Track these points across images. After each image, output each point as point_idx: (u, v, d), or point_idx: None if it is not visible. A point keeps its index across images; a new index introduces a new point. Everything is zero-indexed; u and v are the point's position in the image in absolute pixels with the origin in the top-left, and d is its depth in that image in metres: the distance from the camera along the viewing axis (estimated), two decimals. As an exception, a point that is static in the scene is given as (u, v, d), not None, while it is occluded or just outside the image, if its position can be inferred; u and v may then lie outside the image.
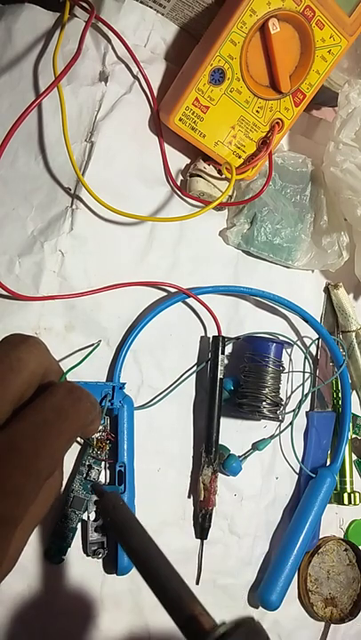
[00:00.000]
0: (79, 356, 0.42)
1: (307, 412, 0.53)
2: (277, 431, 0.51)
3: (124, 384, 0.43)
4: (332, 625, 0.53)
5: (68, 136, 0.40)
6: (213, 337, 0.47)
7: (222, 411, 0.46)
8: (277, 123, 0.45)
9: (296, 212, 0.51)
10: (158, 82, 0.45)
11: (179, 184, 0.47)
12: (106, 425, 0.42)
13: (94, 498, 0.41)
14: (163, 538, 0.42)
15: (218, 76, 0.41)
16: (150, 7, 0.44)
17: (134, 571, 0.41)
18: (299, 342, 0.54)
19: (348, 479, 0.53)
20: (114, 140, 0.43)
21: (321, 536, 0.53)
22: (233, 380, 0.48)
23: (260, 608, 0.47)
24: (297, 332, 0.54)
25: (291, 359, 0.52)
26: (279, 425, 0.51)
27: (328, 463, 0.54)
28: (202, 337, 0.48)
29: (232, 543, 0.48)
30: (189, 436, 0.47)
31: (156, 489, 0.45)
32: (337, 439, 0.53)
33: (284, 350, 0.48)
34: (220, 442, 0.46)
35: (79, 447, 0.42)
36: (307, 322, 0.52)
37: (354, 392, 0.57)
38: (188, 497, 0.46)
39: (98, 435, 0.41)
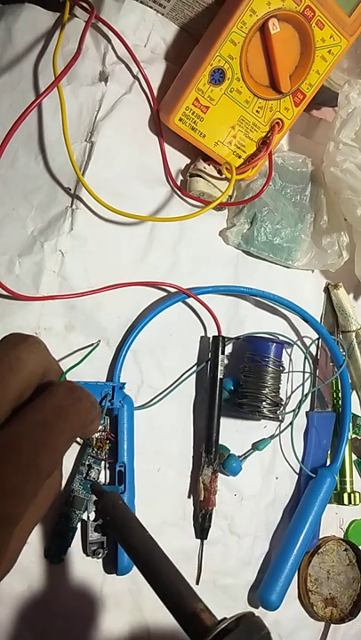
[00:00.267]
0: (79, 355, 0.42)
1: (307, 412, 0.53)
2: (277, 431, 0.51)
3: (124, 384, 0.43)
4: (332, 625, 0.53)
5: (68, 136, 0.40)
6: (213, 337, 0.47)
7: (222, 411, 0.46)
8: (277, 123, 0.45)
9: (296, 212, 0.51)
10: (158, 82, 0.45)
11: (179, 184, 0.47)
12: (106, 425, 0.42)
13: (94, 497, 0.40)
14: (163, 538, 0.41)
15: (218, 76, 0.41)
16: (150, 7, 0.44)
17: (134, 571, 0.41)
18: (299, 342, 0.54)
19: (348, 479, 0.53)
20: (114, 140, 0.43)
21: (321, 536, 0.53)
22: (233, 380, 0.48)
23: (260, 608, 0.47)
24: (297, 332, 0.54)
25: (291, 359, 0.52)
26: (279, 425, 0.51)
27: (328, 463, 0.54)
28: (202, 337, 0.48)
29: (232, 543, 0.48)
30: (189, 436, 0.47)
31: (156, 489, 0.45)
32: (337, 439, 0.53)
33: (284, 350, 0.48)
34: (220, 442, 0.46)
35: (79, 447, 0.42)
36: (307, 322, 0.52)
37: (354, 392, 0.57)
38: (188, 497, 0.46)
39: (98, 434, 0.41)
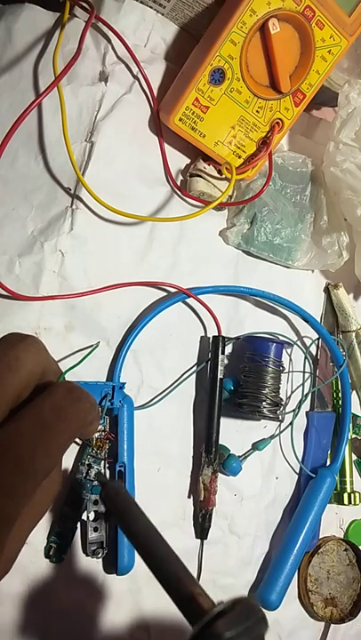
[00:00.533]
0: (79, 356, 0.42)
1: (307, 412, 0.53)
2: (277, 431, 0.51)
3: (124, 384, 0.43)
4: (332, 625, 0.53)
5: (68, 136, 0.40)
6: (213, 337, 0.47)
7: (222, 411, 0.46)
8: (277, 123, 0.45)
9: (296, 212, 0.51)
10: (158, 82, 0.45)
11: (179, 184, 0.47)
12: (106, 425, 0.42)
13: (94, 497, 0.41)
14: (162, 538, 0.42)
15: (218, 76, 0.41)
16: (150, 7, 0.44)
17: (134, 571, 0.42)
18: (299, 342, 0.54)
19: (348, 479, 0.53)
20: (114, 140, 0.43)
21: (321, 536, 0.53)
22: (233, 380, 0.48)
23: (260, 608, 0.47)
24: (297, 332, 0.54)
25: (291, 359, 0.52)
26: (279, 425, 0.51)
27: (328, 463, 0.54)
28: (202, 337, 0.48)
29: (232, 543, 0.48)
30: (189, 436, 0.47)
31: (156, 489, 0.45)
32: (337, 439, 0.53)
33: (284, 350, 0.48)
34: (220, 442, 0.46)
35: (78, 447, 0.42)
36: (307, 322, 0.52)
37: (354, 392, 0.57)
38: (188, 497, 0.46)
39: (97, 434, 0.41)
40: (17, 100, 0.41)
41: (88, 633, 0.41)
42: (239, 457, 0.48)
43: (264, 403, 0.46)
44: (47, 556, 0.40)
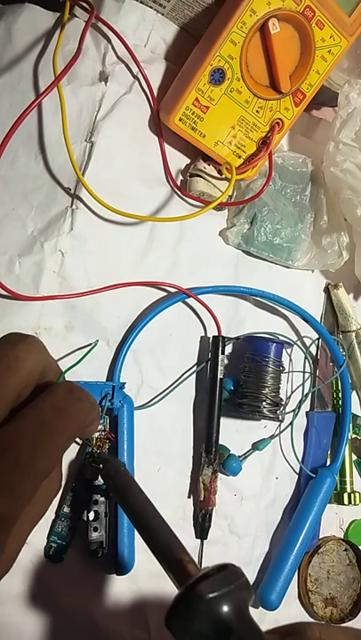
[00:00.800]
0: (78, 355, 0.42)
1: (307, 412, 0.53)
2: (277, 431, 0.51)
3: (124, 384, 0.43)
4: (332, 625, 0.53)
5: (68, 136, 0.40)
6: (213, 337, 0.47)
7: (222, 411, 0.46)
8: (277, 123, 0.45)
9: (296, 212, 0.51)
10: (158, 82, 0.45)
11: (179, 184, 0.47)
12: (106, 425, 0.42)
13: (94, 497, 0.41)
14: (162, 538, 0.42)
15: (218, 76, 0.41)
16: (150, 7, 0.44)
17: (134, 571, 0.42)
18: (299, 342, 0.54)
19: (348, 479, 0.53)
20: (114, 140, 0.43)
21: (321, 536, 0.53)
22: (233, 380, 0.48)
23: (260, 608, 0.47)
24: (297, 332, 0.54)
25: (291, 359, 0.52)
26: (279, 425, 0.51)
27: (328, 463, 0.54)
28: (202, 337, 0.48)
29: (232, 543, 0.48)
30: (189, 436, 0.47)
31: (156, 489, 0.45)
32: (337, 439, 0.53)
33: (284, 350, 0.48)
34: (220, 442, 0.46)
35: (78, 447, 0.42)
36: (307, 322, 0.52)
37: (354, 392, 0.57)
38: (188, 497, 0.46)
39: (97, 434, 0.41)
40: (17, 100, 0.41)
41: (88, 633, 0.41)
42: (239, 457, 0.48)
43: (264, 403, 0.46)
44: (47, 555, 0.40)
